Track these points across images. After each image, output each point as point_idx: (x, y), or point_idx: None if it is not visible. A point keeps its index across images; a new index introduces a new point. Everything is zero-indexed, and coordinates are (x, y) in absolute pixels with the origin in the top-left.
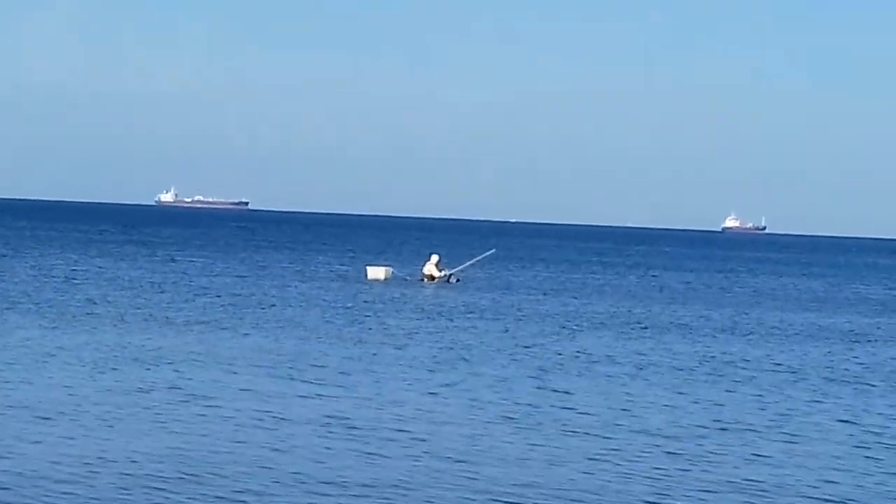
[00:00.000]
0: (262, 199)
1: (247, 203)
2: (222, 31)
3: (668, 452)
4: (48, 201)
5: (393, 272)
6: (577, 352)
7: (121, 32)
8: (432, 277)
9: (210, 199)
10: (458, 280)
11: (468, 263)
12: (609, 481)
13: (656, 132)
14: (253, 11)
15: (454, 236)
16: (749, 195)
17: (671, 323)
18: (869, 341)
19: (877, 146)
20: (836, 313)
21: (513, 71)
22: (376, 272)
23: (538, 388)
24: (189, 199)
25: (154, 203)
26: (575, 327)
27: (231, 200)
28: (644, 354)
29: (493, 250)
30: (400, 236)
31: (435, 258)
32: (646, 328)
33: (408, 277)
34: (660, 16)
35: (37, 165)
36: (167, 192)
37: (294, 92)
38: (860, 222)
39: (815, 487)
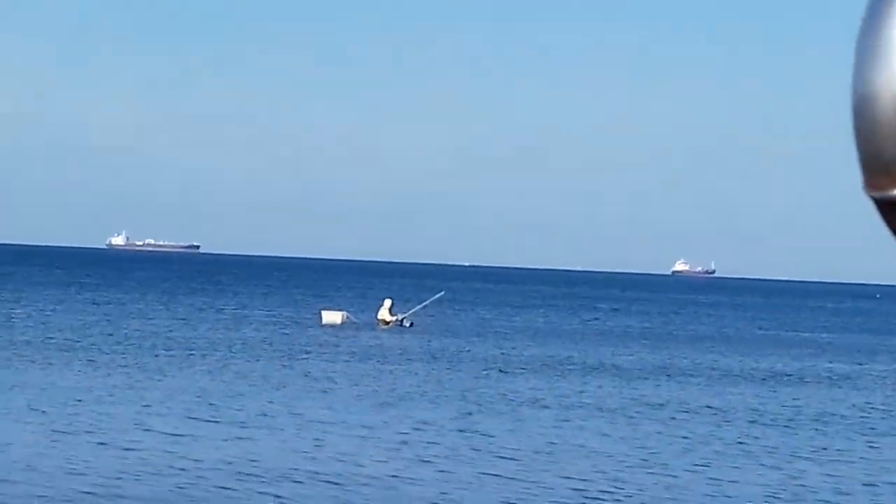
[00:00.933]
0: (214, 243)
1: (198, 246)
2: (164, 74)
3: (586, 495)
4: None
5: (348, 316)
6: (505, 394)
7: (66, 75)
8: (386, 322)
9: (161, 243)
10: (411, 324)
11: (419, 307)
12: None
13: (606, 175)
14: (195, 54)
15: (408, 280)
16: (698, 239)
17: (605, 364)
18: (801, 383)
19: (820, 193)
20: (770, 355)
21: (454, 115)
22: (332, 317)
23: (460, 430)
24: (140, 243)
25: (105, 246)
26: (509, 370)
27: (182, 244)
28: (570, 396)
29: (443, 293)
30: (353, 280)
31: (388, 303)
32: (579, 370)
33: (359, 322)
34: (608, 64)
35: None
36: (118, 236)
37: (246, 132)
38: (808, 266)
39: None
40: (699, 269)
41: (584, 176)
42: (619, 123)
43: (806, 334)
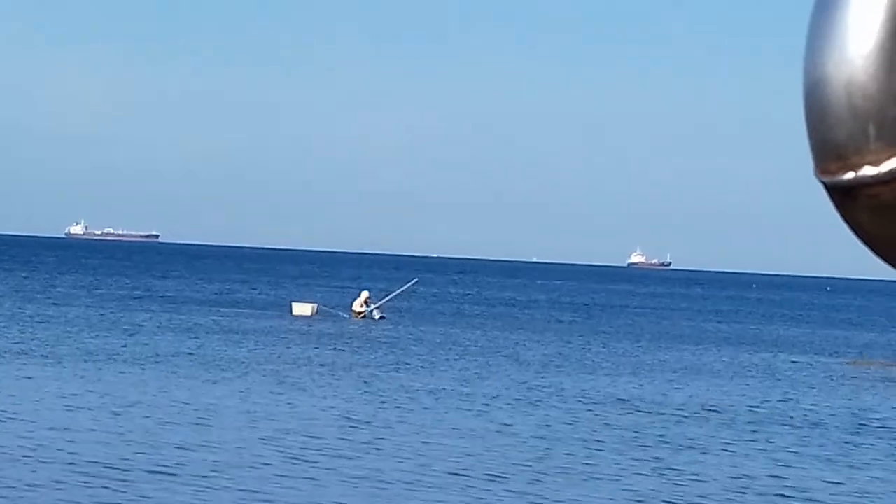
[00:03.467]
0: (173, 232)
1: (157, 235)
2: (124, 59)
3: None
4: None
5: (319, 308)
6: (411, 386)
7: (17, 60)
8: (359, 313)
9: (120, 231)
10: (381, 316)
11: (390, 296)
12: None
13: (561, 167)
14: (148, 32)
15: (374, 271)
16: (654, 232)
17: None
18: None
19: (778, 185)
20: (714, 348)
21: (423, 108)
22: (302, 308)
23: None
24: (99, 232)
25: (64, 235)
26: (448, 358)
27: (141, 233)
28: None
29: (416, 279)
30: (322, 270)
31: (365, 294)
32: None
33: (340, 313)
34: (551, 50)
35: None
36: (77, 225)
37: (204, 119)
38: (763, 259)
39: None
40: (655, 261)
41: (540, 167)
42: (576, 112)
43: (725, 326)
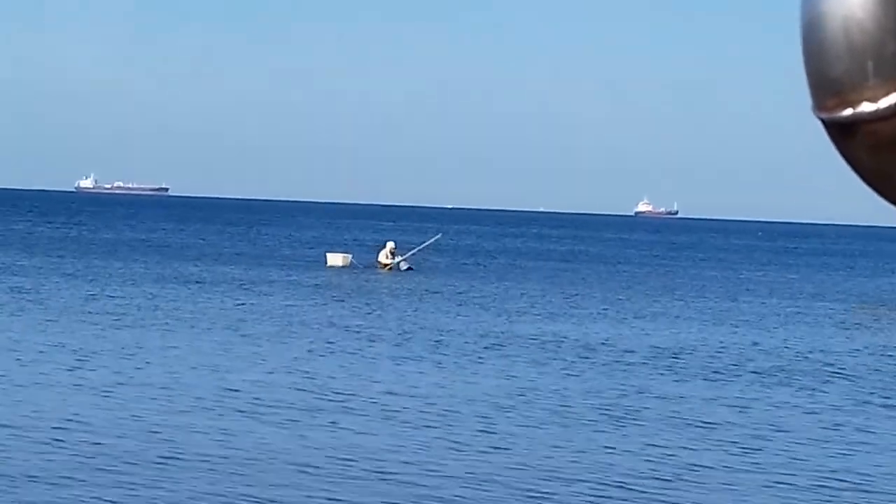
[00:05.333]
0: (183, 185)
1: (167, 189)
2: (135, 14)
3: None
4: None
5: (351, 259)
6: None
7: (27, 19)
8: (385, 265)
9: (130, 185)
10: (409, 267)
11: (416, 249)
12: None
13: (568, 117)
14: None
15: (382, 222)
16: (661, 180)
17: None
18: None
19: (782, 131)
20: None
21: (428, 57)
22: (335, 259)
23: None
24: (109, 185)
25: (74, 189)
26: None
27: (151, 186)
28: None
29: (440, 235)
30: (333, 223)
31: (390, 245)
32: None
33: (363, 265)
34: (565, 2)
35: None
36: (87, 179)
37: (211, 76)
38: (771, 207)
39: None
40: (662, 209)
41: (547, 117)
42: (584, 61)
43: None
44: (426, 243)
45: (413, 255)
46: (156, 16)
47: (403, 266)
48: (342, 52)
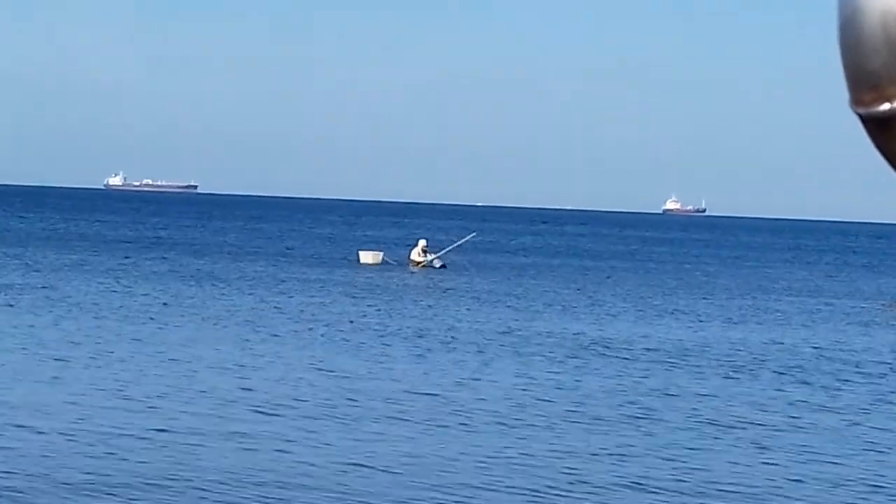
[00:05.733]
0: (212, 183)
1: (196, 186)
2: (164, 13)
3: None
4: None
5: (384, 257)
6: (506, 331)
7: (57, 16)
8: (417, 263)
9: (159, 183)
10: (442, 265)
11: (450, 247)
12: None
13: (596, 113)
14: None
15: (413, 220)
16: (689, 178)
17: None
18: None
19: (810, 129)
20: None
21: (456, 53)
22: (367, 256)
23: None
24: (138, 183)
25: (103, 187)
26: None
27: (180, 184)
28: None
29: (475, 233)
30: (358, 220)
31: (422, 243)
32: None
33: (395, 261)
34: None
35: None
36: (116, 176)
37: (242, 72)
38: (798, 205)
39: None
40: (690, 207)
41: (576, 114)
42: (611, 57)
43: (787, 275)
44: (461, 241)
45: (447, 252)
46: (186, 15)
47: (437, 264)
48: (370, 45)
